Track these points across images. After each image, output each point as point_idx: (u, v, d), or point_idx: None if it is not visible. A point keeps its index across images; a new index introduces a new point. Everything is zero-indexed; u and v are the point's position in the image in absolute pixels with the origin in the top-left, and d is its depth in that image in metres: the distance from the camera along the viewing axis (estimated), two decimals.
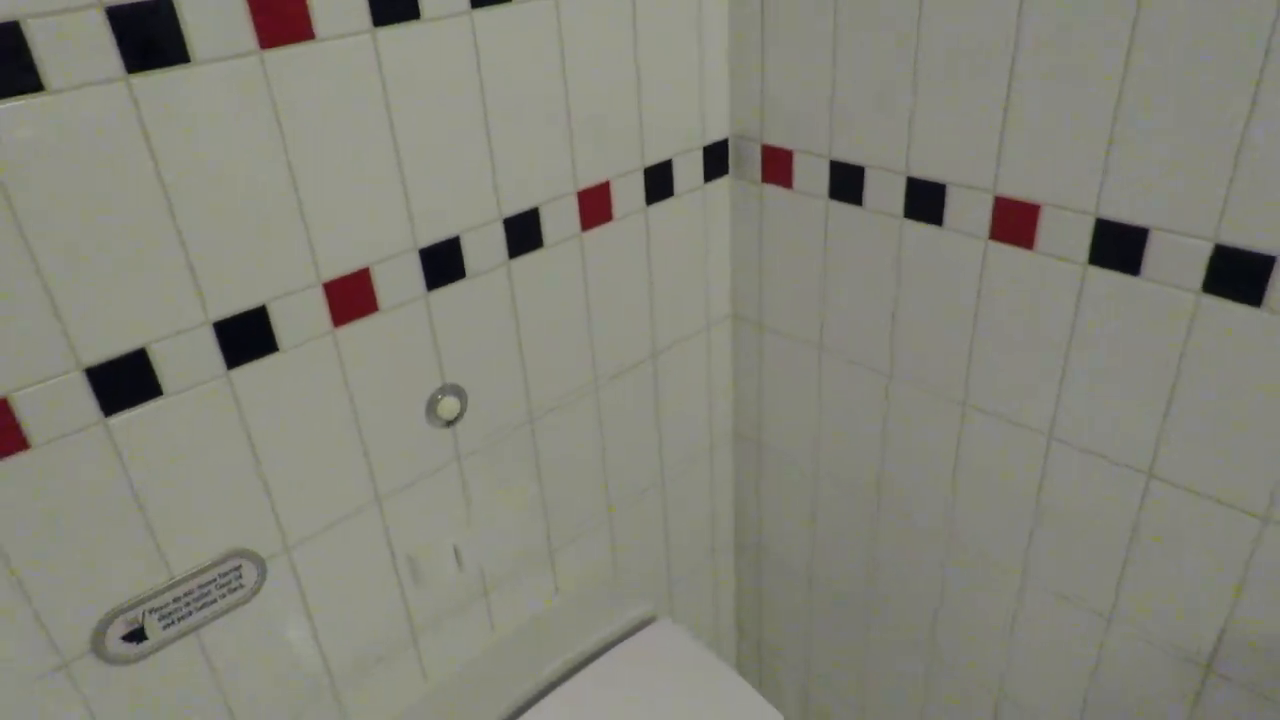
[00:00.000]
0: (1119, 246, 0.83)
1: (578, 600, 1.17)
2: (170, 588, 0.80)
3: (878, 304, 1.06)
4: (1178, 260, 0.80)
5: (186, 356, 0.75)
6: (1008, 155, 0.88)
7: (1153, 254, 0.81)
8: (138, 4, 0.64)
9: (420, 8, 0.79)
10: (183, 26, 0.66)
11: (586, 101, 0.95)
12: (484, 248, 0.92)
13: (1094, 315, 0.87)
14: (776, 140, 1.07)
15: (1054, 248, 0.88)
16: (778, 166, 1.09)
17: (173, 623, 0.82)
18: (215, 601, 0.84)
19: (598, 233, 1.02)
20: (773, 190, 1.11)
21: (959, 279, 0.97)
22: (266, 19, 0.70)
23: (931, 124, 0.92)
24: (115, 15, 0.63)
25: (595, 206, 1.01)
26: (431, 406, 0.94)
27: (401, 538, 0.97)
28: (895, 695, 1.31)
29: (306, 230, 0.78)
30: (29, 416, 0.68)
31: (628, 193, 1.03)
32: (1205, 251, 0.78)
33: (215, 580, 0.83)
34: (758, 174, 1.11)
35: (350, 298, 0.84)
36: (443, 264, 0.89)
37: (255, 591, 0.87)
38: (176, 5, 0.65)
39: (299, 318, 0.81)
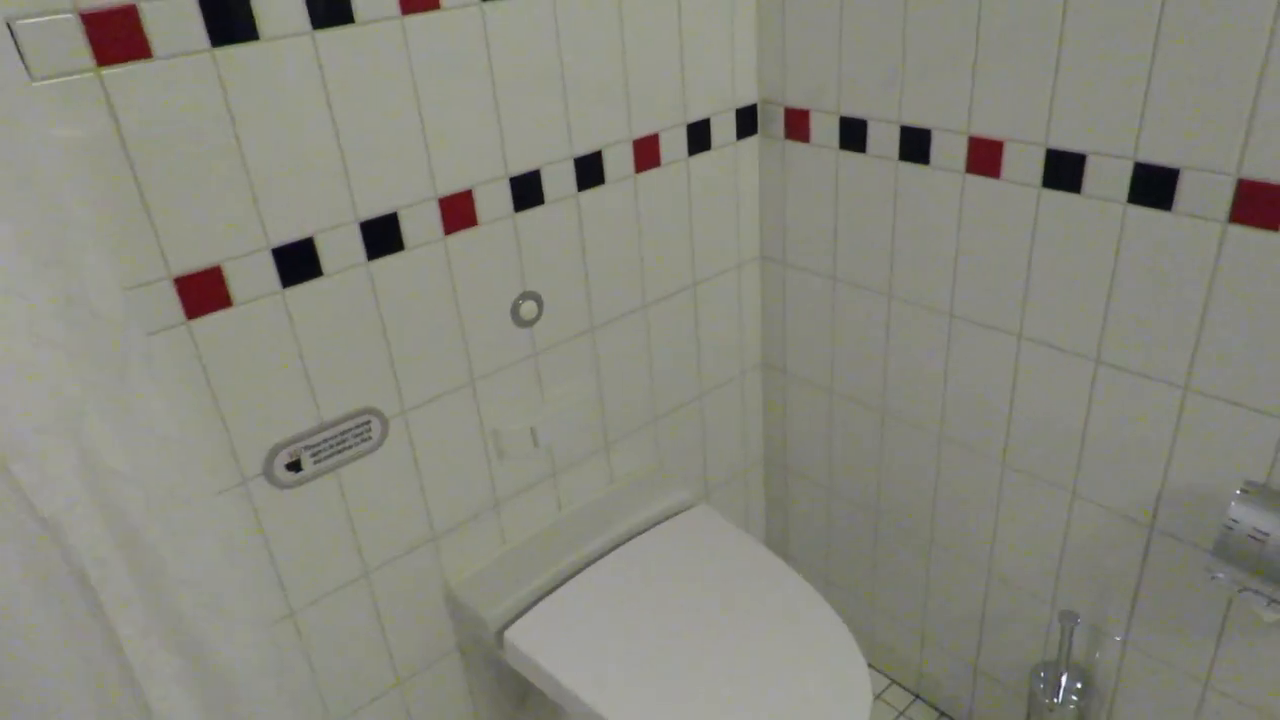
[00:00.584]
0: (1059, 169, 1.04)
1: (629, 488, 1.40)
2: (320, 430, 1.05)
3: (879, 234, 1.28)
4: (1105, 177, 1.01)
5: (341, 247, 1.00)
6: (980, 103, 1.09)
7: (1090, 174, 1.02)
8: None
9: None
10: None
11: (641, 68, 1.19)
12: (558, 180, 1.16)
13: (1045, 226, 1.08)
14: (796, 102, 1.30)
15: (1016, 176, 1.09)
16: (797, 124, 1.31)
17: (320, 459, 1.06)
18: (351, 447, 1.08)
19: (649, 175, 1.26)
20: (793, 146, 1.34)
21: (943, 208, 1.18)
22: None
23: (918, 82, 1.14)
24: None
25: (647, 153, 1.24)
26: (515, 308, 1.18)
27: (489, 415, 1.21)
28: (901, 581, 1.51)
29: (428, 156, 1.03)
30: (233, 282, 0.93)
31: (673, 143, 1.27)
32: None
33: (351, 429, 1.08)
34: (781, 132, 1.34)
35: (458, 212, 1.08)
36: (528, 191, 1.13)
37: (379, 444, 1.11)
38: None
39: (420, 225, 1.05)
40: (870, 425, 1.43)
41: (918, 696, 1.60)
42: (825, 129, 1.28)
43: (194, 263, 0.90)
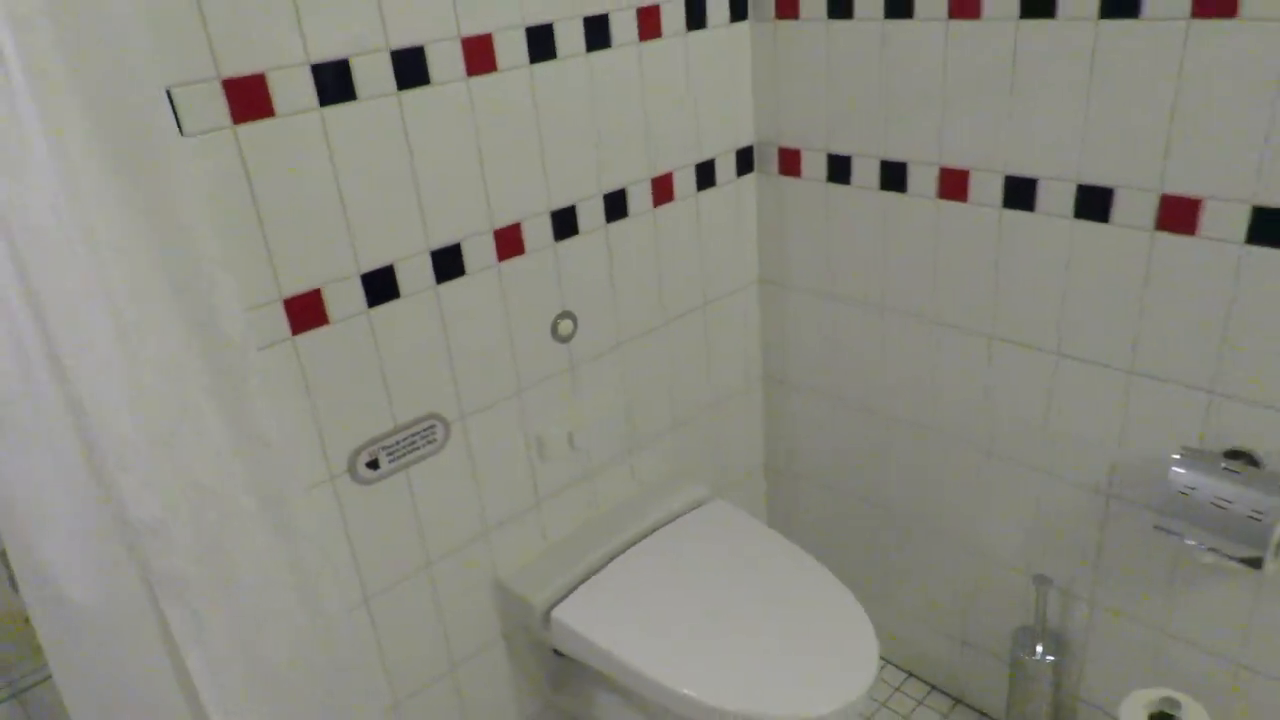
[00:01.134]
0: (1017, 192, 1.24)
1: (653, 487, 1.56)
2: (395, 432, 1.20)
3: (865, 255, 1.47)
4: (1054, 197, 1.21)
5: (416, 273, 1.16)
6: (948, 138, 1.30)
7: (1042, 195, 1.22)
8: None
9: (556, 49, 1.22)
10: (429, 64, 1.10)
11: (658, 117, 1.38)
12: (591, 214, 1.34)
13: (1007, 239, 1.28)
14: (788, 143, 1.50)
15: (981, 199, 1.29)
16: (790, 162, 1.51)
17: (395, 459, 1.21)
18: (419, 449, 1.24)
19: (665, 209, 1.44)
20: (787, 181, 1.53)
21: (920, 230, 1.38)
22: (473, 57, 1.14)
23: (896, 122, 1.35)
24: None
25: (663, 190, 1.43)
26: (555, 326, 1.35)
27: (533, 421, 1.37)
28: (893, 567, 1.68)
29: (487, 195, 1.21)
30: (331, 303, 1.09)
31: (685, 181, 1.46)
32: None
33: (420, 432, 1.23)
34: (776, 169, 1.54)
35: (509, 242, 1.25)
36: (565, 223, 1.31)
37: (443, 446, 1.26)
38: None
39: (479, 253, 1.22)
40: (864, 426, 1.61)
41: (910, 674, 1.76)
42: (814, 165, 1.48)
43: (300, 286, 1.06)
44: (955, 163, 1.30)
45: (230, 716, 0.99)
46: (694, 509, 1.51)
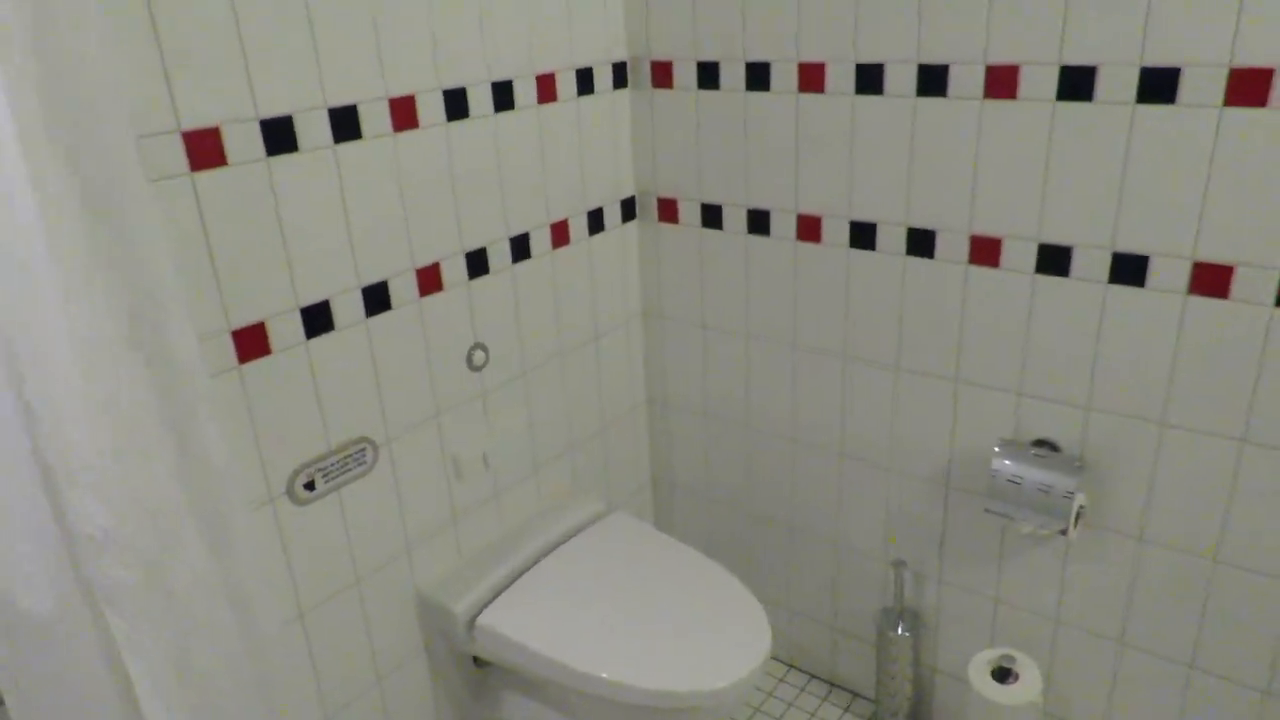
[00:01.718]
0: (860, 234, 1.50)
1: (556, 502, 1.70)
2: (329, 455, 1.30)
3: (735, 290, 1.69)
4: (891, 238, 1.47)
5: (348, 307, 1.28)
6: (803, 189, 1.54)
7: (882, 236, 1.48)
8: None
9: (469, 109, 1.39)
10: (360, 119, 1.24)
11: (554, 171, 1.56)
12: (500, 255, 1.50)
13: (854, 276, 1.53)
14: (666, 193, 1.72)
15: (831, 239, 1.54)
16: (668, 210, 1.73)
17: (329, 479, 1.31)
18: (351, 470, 1.34)
19: (562, 251, 1.62)
20: (665, 227, 1.75)
21: (782, 269, 1.62)
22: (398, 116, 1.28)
23: (758, 176, 1.58)
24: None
25: (560, 234, 1.61)
26: (470, 356, 1.49)
27: (450, 443, 1.49)
28: (769, 568, 1.88)
29: (409, 237, 1.34)
30: (273, 334, 1.20)
31: (578, 227, 1.64)
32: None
33: (352, 454, 1.34)
34: (654, 216, 1.75)
35: (430, 279, 1.39)
36: (478, 263, 1.46)
37: (372, 468, 1.37)
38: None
39: (403, 290, 1.36)
40: (736, 441, 1.82)
41: (791, 666, 1.96)
42: (690, 212, 1.70)
43: (247, 318, 1.17)
44: (810, 209, 1.55)
45: None
46: (596, 520, 1.66)
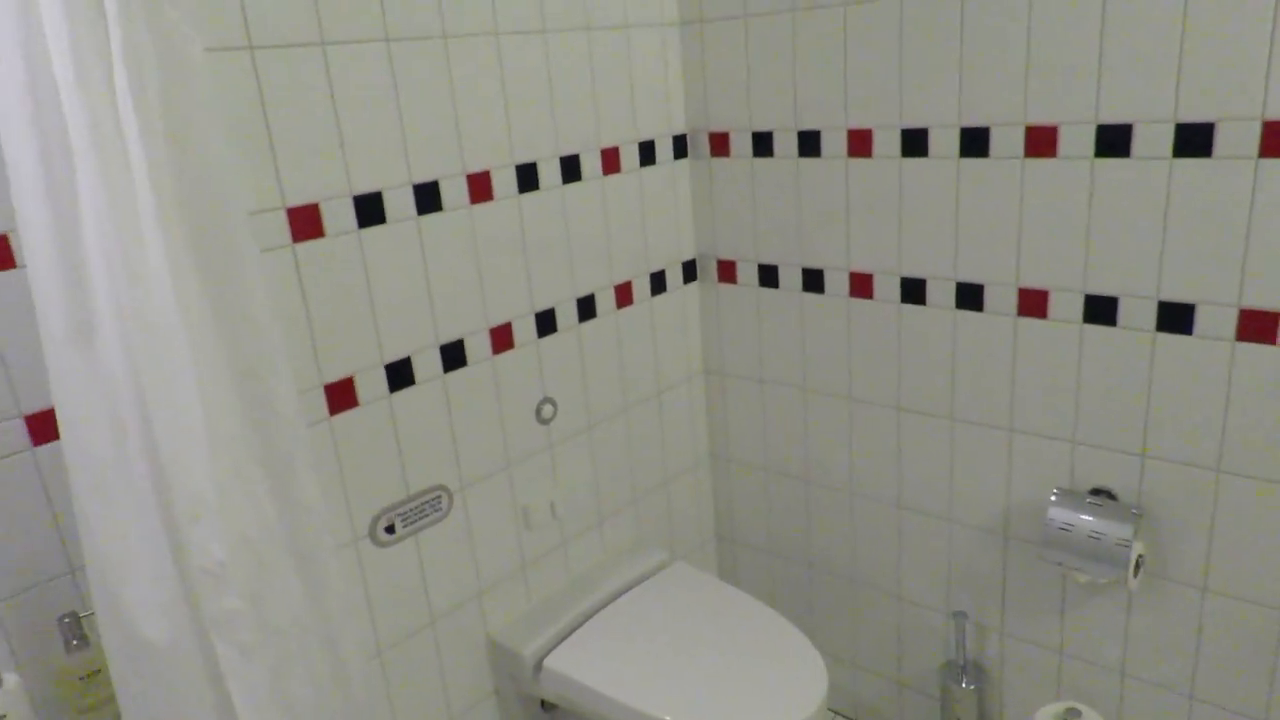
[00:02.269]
0: (911, 289, 1.56)
1: (620, 553, 1.77)
2: (408, 501, 1.40)
3: (793, 346, 1.76)
4: (942, 291, 1.53)
5: (427, 364, 1.39)
6: (854, 248, 1.61)
7: (931, 292, 1.54)
8: None
9: (539, 182, 1.51)
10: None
11: (619, 236, 1.67)
12: (566, 314, 1.60)
13: (907, 330, 1.58)
14: (725, 255, 1.81)
15: (883, 295, 1.60)
16: (727, 271, 1.81)
17: (408, 524, 1.41)
18: (428, 515, 1.44)
19: (626, 310, 1.72)
20: (724, 287, 1.83)
21: (836, 325, 1.68)
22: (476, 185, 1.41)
23: (811, 236, 1.66)
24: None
25: (624, 295, 1.71)
26: (538, 410, 1.58)
27: (520, 493, 1.58)
28: (831, 622, 1.90)
29: (484, 299, 1.46)
30: (360, 388, 1.31)
31: (641, 288, 1.74)
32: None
33: (429, 501, 1.43)
34: (714, 276, 1.84)
35: (502, 338, 1.50)
36: (547, 322, 1.57)
37: (447, 514, 1.46)
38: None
39: (478, 347, 1.46)
40: (797, 493, 1.86)
41: None
42: (747, 272, 1.78)
43: (338, 374, 1.28)
44: (861, 267, 1.61)
45: None
46: (660, 570, 1.72)
